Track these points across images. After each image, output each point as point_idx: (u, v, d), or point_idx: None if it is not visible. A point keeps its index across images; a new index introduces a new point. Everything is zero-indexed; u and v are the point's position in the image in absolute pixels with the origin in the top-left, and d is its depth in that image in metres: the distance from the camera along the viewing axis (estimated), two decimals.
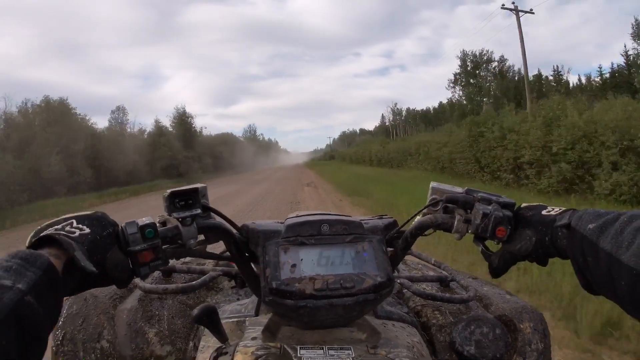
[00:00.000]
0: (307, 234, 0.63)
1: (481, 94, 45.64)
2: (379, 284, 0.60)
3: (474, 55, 47.20)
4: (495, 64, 46.50)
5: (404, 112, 69.76)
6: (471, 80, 45.29)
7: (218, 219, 0.64)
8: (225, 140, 48.15)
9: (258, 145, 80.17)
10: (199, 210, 0.60)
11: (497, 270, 0.63)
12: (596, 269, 0.49)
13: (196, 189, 0.60)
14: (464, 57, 47.87)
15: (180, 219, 0.58)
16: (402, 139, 42.62)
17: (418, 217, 0.68)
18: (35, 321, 0.40)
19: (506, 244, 0.61)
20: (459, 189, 0.67)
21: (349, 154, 49.75)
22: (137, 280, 0.82)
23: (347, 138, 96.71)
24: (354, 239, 0.63)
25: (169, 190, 0.59)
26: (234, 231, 0.65)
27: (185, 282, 0.85)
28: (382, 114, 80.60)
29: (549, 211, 0.59)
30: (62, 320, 0.75)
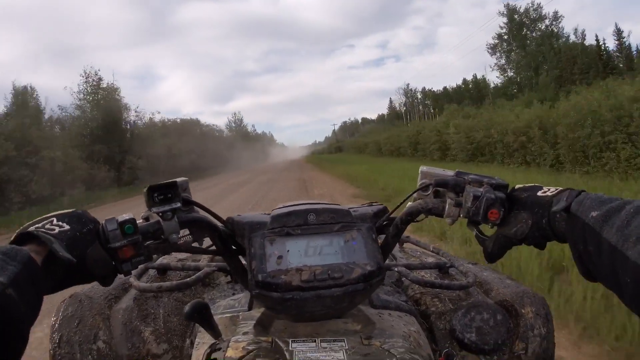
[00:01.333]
0: (293, 224, 0.61)
1: (539, 61, 30.91)
2: (369, 273, 0.58)
3: (519, 13, 33.07)
4: (547, 22, 31.96)
5: (418, 94, 59.04)
6: (524, 42, 33.05)
7: (202, 212, 0.63)
8: (182, 129, 31.95)
9: (245, 138, 63.62)
10: (178, 204, 0.58)
11: (492, 255, 0.60)
12: (598, 259, 0.46)
13: (174, 183, 0.59)
14: (510, 15, 33.39)
15: (160, 214, 0.57)
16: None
17: (409, 203, 0.66)
18: (16, 314, 0.40)
19: (501, 228, 0.58)
20: (449, 172, 0.64)
21: (371, 143, 34.81)
22: (131, 279, 0.82)
23: (349, 128, 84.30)
24: (342, 228, 0.62)
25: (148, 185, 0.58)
26: (219, 224, 0.64)
27: (180, 280, 0.83)
28: (390, 98, 70.80)
29: (544, 192, 0.56)
30: (58, 322, 0.74)
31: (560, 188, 0.55)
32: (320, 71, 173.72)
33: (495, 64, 34.57)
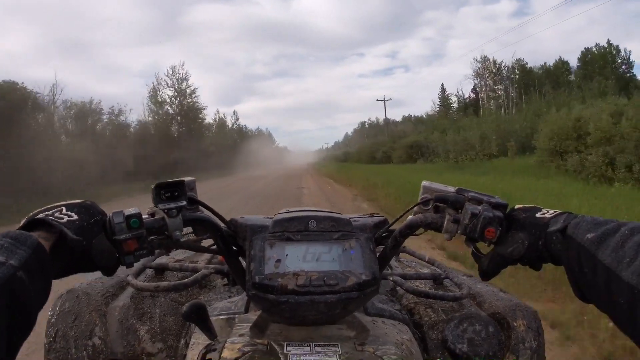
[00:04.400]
0: (294, 229, 0.62)
1: None
2: (364, 282, 0.59)
3: None
4: None
5: (504, 71, 36.06)
6: None
7: (207, 212, 0.65)
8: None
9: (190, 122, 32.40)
10: (184, 202, 0.59)
11: (487, 272, 0.61)
12: (593, 281, 0.47)
13: (182, 181, 0.61)
14: None
15: (165, 210, 0.58)
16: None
17: (409, 216, 0.67)
18: (26, 297, 0.41)
19: (497, 246, 0.59)
20: (450, 188, 0.66)
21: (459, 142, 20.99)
22: (129, 277, 0.83)
23: (368, 131, 68.68)
24: (341, 237, 0.63)
25: (155, 182, 0.60)
26: (222, 225, 0.65)
27: (177, 280, 0.85)
28: (442, 84, 45.23)
29: (543, 213, 0.57)
30: (54, 317, 0.75)
31: (559, 211, 0.56)
32: (329, 78, 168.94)
33: None
